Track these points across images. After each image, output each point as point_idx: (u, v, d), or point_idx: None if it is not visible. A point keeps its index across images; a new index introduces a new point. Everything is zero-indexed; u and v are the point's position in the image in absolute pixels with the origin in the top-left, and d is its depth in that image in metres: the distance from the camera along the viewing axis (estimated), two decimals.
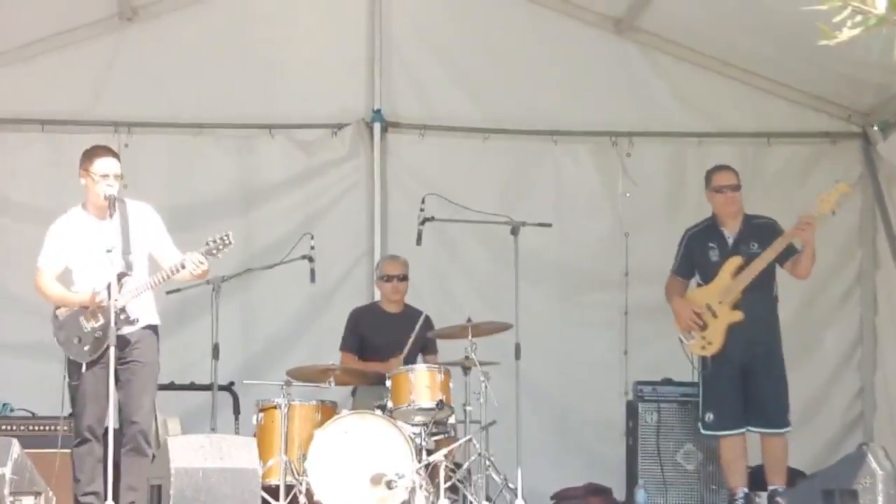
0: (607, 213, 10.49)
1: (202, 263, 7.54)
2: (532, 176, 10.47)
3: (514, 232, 8.88)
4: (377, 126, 10.29)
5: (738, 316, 8.54)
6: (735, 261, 8.60)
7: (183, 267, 7.54)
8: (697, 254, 8.82)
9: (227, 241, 7.60)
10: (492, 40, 10.37)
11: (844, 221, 10.10)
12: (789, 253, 8.61)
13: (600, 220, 10.49)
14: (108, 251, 7.42)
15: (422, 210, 9.07)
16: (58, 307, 7.76)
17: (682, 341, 8.73)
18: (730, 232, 8.73)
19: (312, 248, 8.90)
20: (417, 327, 8.96)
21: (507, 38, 10.36)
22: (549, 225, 9.25)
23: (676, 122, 10.48)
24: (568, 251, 10.33)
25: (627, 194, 10.42)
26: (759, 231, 8.71)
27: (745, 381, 8.56)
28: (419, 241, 9.11)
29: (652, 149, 10.50)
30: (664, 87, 10.46)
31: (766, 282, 8.64)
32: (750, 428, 8.61)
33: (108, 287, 7.46)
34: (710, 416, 8.66)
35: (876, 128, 10.24)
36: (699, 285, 8.84)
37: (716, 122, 10.48)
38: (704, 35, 10.10)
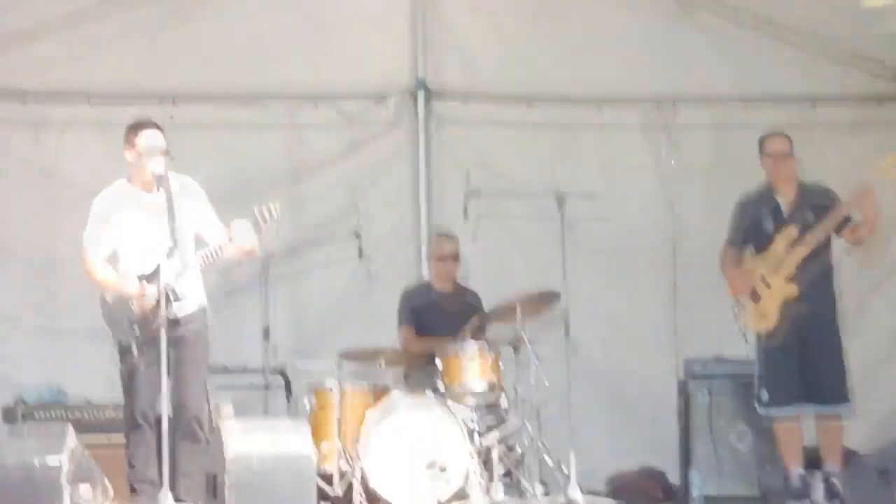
0: (652, 179, 10.43)
1: (250, 236, 7.32)
2: (577, 143, 10.39)
3: (560, 203, 8.79)
4: (421, 95, 10.23)
5: (792, 290, 8.30)
6: (790, 232, 8.36)
7: (230, 240, 7.36)
8: (751, 222, 8.57)
9: (272, 214, 7.37)
10: (535, 8, 10.26)
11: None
12: (846, 221, 8.36)
13: (645, 186, 10.43)
14: (171, 247, 7.27)
15: (467, 183, 9.03)
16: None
17: (735, 313, 8.52)
18: (784, 200, 8.50)
19: (359, 226, 8.83)
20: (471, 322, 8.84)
21: (549, 5, 10.24)
22: (596, 197, 9.12)
23: (721, 86, 10.38)
24: (615, 220, 10.11)
25: (672, 161, 10.34)
26: (815, 200, 8.46)
27: (802, 355, 8.31)
28: (466, 215, 9.07)
29: (696, 114, 10.40)
30: (709, 49, 10.34)
31: (821, 252, 8.39)
32: (807, 405, 8.35)
33: (158, 267, 7.32)
34: (764, 394, 8.40)
35: None
36: (752, 254, 8.61)
37: (760, 85, 10.33)
38: None
